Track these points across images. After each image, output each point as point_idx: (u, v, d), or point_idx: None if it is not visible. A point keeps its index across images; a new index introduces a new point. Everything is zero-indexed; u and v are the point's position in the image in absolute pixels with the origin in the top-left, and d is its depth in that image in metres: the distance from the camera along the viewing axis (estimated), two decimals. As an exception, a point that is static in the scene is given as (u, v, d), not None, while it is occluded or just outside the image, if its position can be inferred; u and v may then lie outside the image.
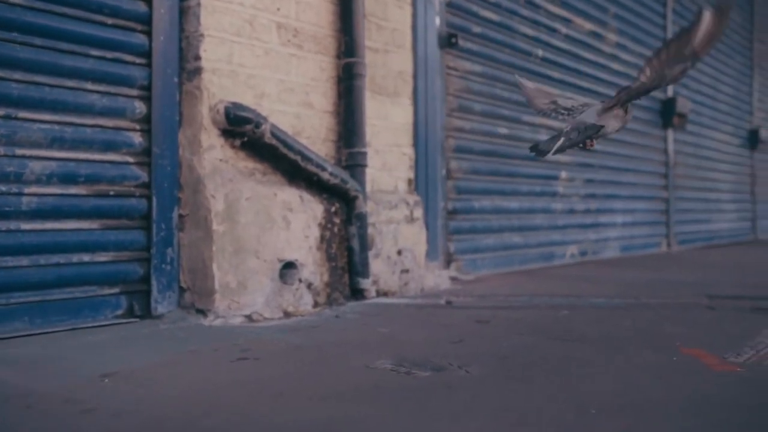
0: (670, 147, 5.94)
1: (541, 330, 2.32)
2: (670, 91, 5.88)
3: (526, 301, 2.94)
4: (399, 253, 3.12)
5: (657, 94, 5.75)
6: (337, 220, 2.83)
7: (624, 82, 5.27)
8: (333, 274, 2.80)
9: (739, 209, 7.46)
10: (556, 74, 4.49)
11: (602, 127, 1.78)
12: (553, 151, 1.86)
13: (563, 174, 4.54)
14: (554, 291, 3.23)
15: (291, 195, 2.67)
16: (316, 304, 2.71)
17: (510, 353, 1.97)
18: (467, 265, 3.74)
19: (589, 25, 4.85)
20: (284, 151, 2.63)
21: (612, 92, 5.18)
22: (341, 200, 2.85)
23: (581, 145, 1.76)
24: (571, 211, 4.60)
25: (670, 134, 5.93)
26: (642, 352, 1.98)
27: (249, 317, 2.46)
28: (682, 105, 5.90)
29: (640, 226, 5.46)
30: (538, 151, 1.97)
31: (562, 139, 1.84)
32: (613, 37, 5.13)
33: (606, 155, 5.02)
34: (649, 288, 3.37)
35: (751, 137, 7.68)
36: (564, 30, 4.58)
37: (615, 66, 5.16)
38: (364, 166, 2.93)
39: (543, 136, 4.36)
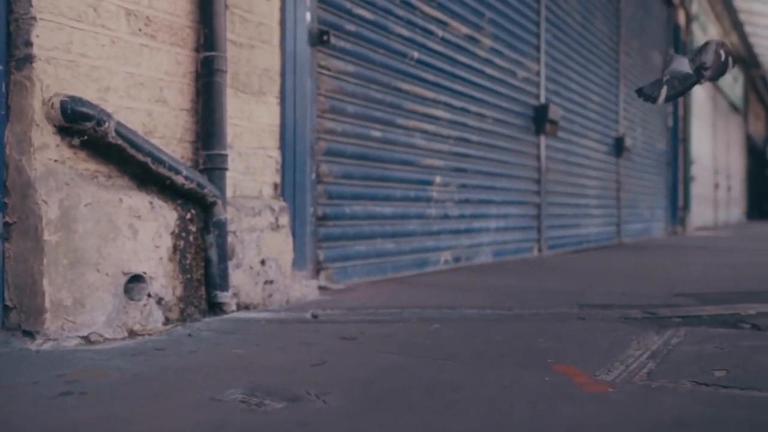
0: (542, 153, 6.03)
1: (411, 347, 2.19)
2: (543, 97, 5.97)
3: (397, 314, 2.80)
4: (263, 263, 2.91)
5: (530, 100, 5.82)
6: (192, 228, 2.59)
7: (499, 88, 5.32)
8: (187, 287, 2.56)
9: (606, 214, 7.72)
10: (431, 77, 4.41)
11: (701, 78, 1.73)
12: (662, 98, 1.80)
13: (438, 179, 4.47)
14: (427, 301, 3.12)
15: (140, 201, 2.41)
16: (167, 321, 2.46)
17: (376, 377, 1.81)
18: (338, 274, 3.58)
19: (464, 29, 4.81)
20: (132, 152, 2.37)
21: (487, 97, 5.18)
22: (198, 206, 2.61)
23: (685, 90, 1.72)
24: (446, 217, 4.53)
25: (543, 140, 6.02)
26: (515, 371, 1.88)
27: (87, 338, 2.18)
28: (554, 112, 6.00)
29: (513, 231, 5.49)
30: (645, 95, 1.89)
31: (665, 87, 1.77)
32: (488, 41, 5.12)
33: (480, 160, 5.00)
34: (520, 297, 3.32)
35: (617, 145, 7.97)
36: (440, 33, 4.51)
37: (489, 71, 5.16)
38: (225, 169, 2.71)
39: (418, 140, 4.27)
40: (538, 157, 5.98)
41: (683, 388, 1.70)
